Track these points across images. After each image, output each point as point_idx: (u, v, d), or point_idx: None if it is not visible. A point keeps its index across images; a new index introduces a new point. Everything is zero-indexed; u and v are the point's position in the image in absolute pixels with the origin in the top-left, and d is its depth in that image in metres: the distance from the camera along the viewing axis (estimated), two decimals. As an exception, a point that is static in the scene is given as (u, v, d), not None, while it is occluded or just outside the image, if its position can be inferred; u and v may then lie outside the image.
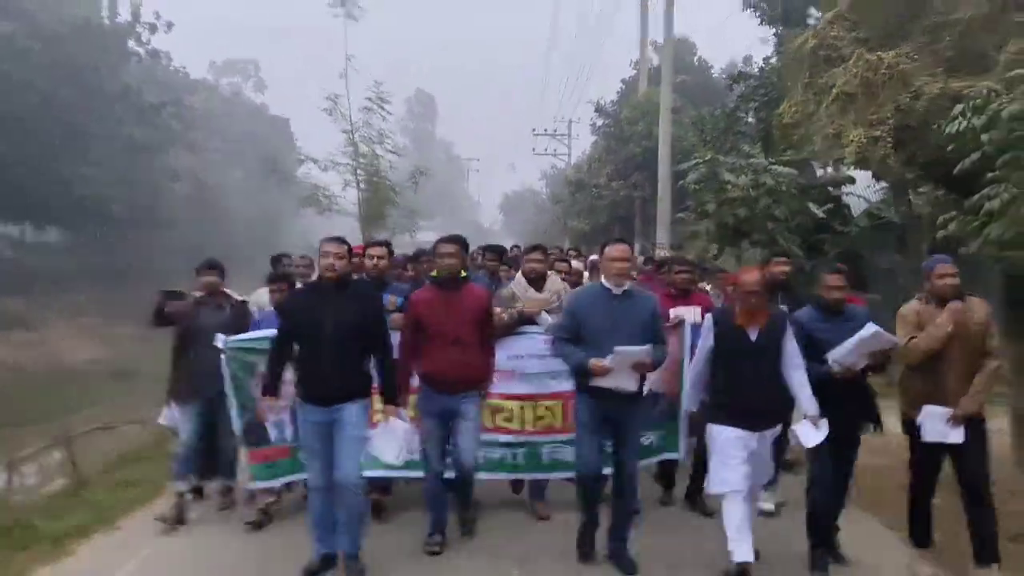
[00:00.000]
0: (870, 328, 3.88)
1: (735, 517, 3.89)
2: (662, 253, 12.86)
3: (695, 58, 27.13)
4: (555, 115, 41.26)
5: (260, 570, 4.17)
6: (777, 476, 4.71)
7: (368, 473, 4.37)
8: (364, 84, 14.21)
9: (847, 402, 4.08)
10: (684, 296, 5.23)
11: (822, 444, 3.95)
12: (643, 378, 4.14)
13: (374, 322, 4.07)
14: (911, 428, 4.19)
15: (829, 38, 6.80)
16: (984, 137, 4.23)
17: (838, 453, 4.11)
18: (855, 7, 6.71)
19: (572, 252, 11.38)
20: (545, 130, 38.65)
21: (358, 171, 14.48)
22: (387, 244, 5.42)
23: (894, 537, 4.59)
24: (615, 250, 4.10)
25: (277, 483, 4.93)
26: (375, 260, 4.96)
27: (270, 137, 42.44)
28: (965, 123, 4.40)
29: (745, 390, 3.96)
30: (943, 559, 4.25)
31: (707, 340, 4.11)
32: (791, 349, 4.01)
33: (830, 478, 4.10)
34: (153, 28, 25.42)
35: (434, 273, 4.60)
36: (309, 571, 3.96)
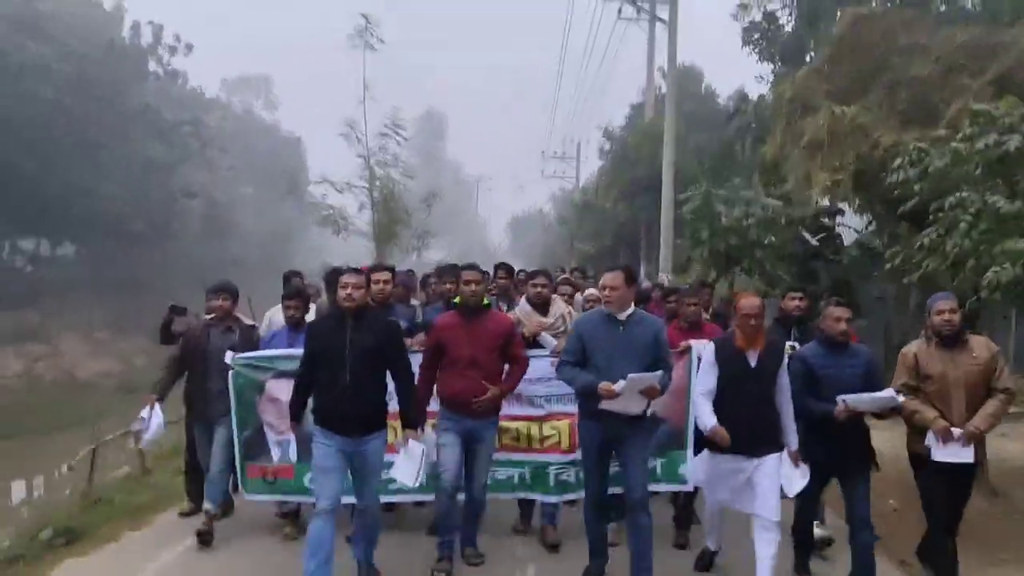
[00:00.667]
0: (889, 392, 4.05)
1: (713, 515, 4.58)
2: (665, 280, 13.76)
3: (702, 86, 28.18)
4: (564, 137, 42.42)
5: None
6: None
7: (384, 499, 4.61)
8: (379, 107, 15.28)
9: (843, 438, 4.22)
10: (695, 328, 5.27)
11: (816, 485, 4.25)
12: (648, 402, 4.26)
13: (394, 348, 4.23)
14: (917, 463, 4.29)
15: (804, 89, 7.78)
16: (916, 187, 5.16)
17: (846, 478, 4.31)
18: (828, 62, 7.70)
19: (577, 272, 12.19)
20: (555, 153, 39.90)
21: (373, 193, 15.51)
22: (391, 269, 5.56)
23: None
24: (607, 279, 4.29)
25: (271, 499, 5.13)
26: (380, 284, 5.09)
27: (283, 156, 43.79)
28: (903, 174, 5.33)
29: (745, 413, 4.13)
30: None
31: (712, 367, 4.27)
32: (784, 380, 4.23)
33: (815, 497, 4.41)
34: (173, 50, 26.76)
35: (456, 300, 4.75)
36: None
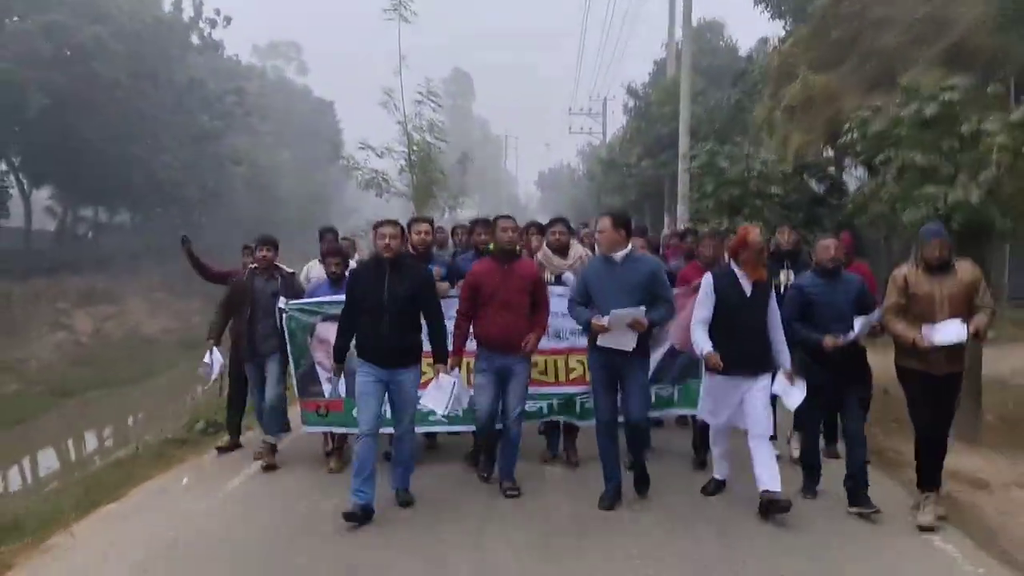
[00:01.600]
0: (858, 321, 4.53)
1: (718, 447, 4.99)
2: (684, 225, 15.12)
3: (723, 41, 28.79)
4: (590, 94, 43.24)
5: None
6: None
7: (419, 429, 5.21)
8: (411, 74, 16.62)
9: (839, 363, 4.60)
10: (711, 267, 5.42)
11: (811, 400, 4.63)
12: (644, 337, 4.67)
13: (426, 291, 4.69)
14: (905, 378, 4.64)
15: (790, 57, 9.06)
16: (858, 148, 6.53)
17: (841, 398, 4.72)
18: (811, 33, 8.96)
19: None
20: (581, 109, 40.78)
21: (412, 157, 16.98)
22: (430, 221, 5.96)
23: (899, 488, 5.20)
24: (599, 224, 4.90)
25: (326, 430, 5.70)
26: (421, 235, 5.55)
27: (317, 120, 45.43)
28: (851, 136, 6.70)
29: (740, 338, 4.57)
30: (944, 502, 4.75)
31: (709, 297, 4.70)
32: (774, 307, 4.69)
33: (817, 422, 4.95)
34: (213, 23, 28.29)
35: (491, 246, 5.23)
36: (348, 515, 4.46)
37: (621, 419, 4.86)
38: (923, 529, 4.45)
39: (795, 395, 4.65)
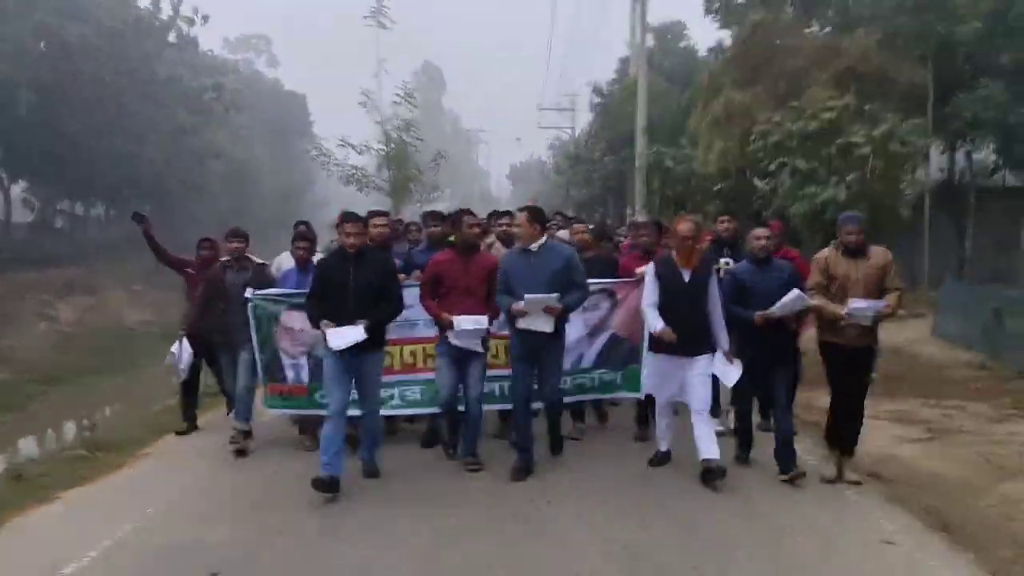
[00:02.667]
0: (795, 292, 4.90)
1: (663, 421, 5.35)
2: (639, 218, 16.90)
3: (683, 42, 30.56)
4: (558, 90, 44.81)
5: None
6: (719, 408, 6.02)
7: (386, 412, 5.64)
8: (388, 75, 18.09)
9: (769, 338, 5.03)
10: (649, 255, 5.95)
11: (744, 377, 5.06)
12: (560, 321, 5.06)
13: (388, 280, 5.03)
14: (824, 350, 5.16)
15: (717, 77, 10.82)
16: (760, 155, 8.29)
17: (771, 376, 5.12)
18: (734, 57, 10.72)
19: (559, 216, 15.09)
20: (550, 105, 42.41)
21: (389, 155, 18.50)
22: (387, 214, 6.29)
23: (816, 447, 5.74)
24: (516, 219, 5.43)
25: (288, 412, 6.07)
26: (379, 228, 5.83)
27: (289, 112, 46.44)
28: (756, 144, 8.45)
29: (681, 321, 4.93)
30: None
31: (653, 282, 5.10)
32: (714, 291, 5.04)
33: (749, 402, 5.41)
34: (191, 21, 29.35)
35: (451, 239, 5.60)
36: (317, 483, 4.74)
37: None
38: (827, 480, 5.14)
39: (732, 373, 5.05)
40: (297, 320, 5.63)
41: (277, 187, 44.36)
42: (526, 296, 4.88)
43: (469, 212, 5.86)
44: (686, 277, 5.00)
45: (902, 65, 10.73)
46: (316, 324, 4.94)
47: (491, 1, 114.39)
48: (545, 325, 4.96)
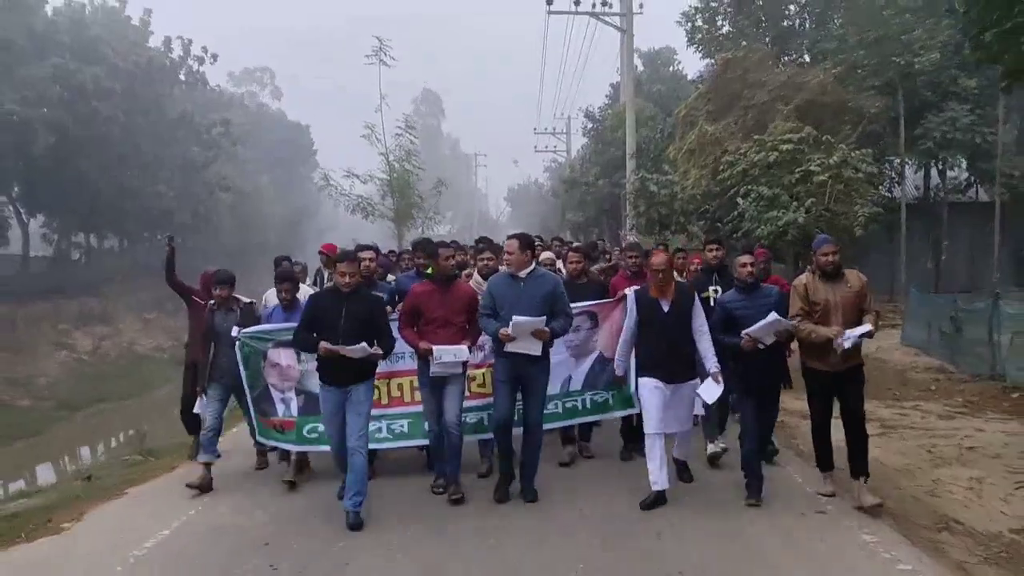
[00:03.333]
0: (772, 316, 4.88)
1: (656, 454, 5.02)
2: (631, 239, 17.81)
3: (672, 67, 31.73)
4: (554, 113, 45.97)
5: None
6: (725, 426, 6.07)
7: (374, 445, 5.56)
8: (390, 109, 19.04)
9: (761, 364, 5.04)
10: (637, 277, 6.13)
11: (748, 403, 5.13)
12: (545, 346, 5.13)
13: (379, 316, 5.13)
14: (809, 376, 5.18)
15: (693, 110, 11.81)
16: (729, 182, 9.23)
17: (760, 405, 5.16)
18: (708, 91, 11.73)
19: (556, 241, 15.97)
20: (546, 129, 43.52)
21: (393, 184, 19.47)
22: (375, 248, 6.34)
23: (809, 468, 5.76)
24: (508, 245, 5.32)
25: (279, 445, 6.10)
26: (366, 262, 5.92)
27: (293, 143, 47.74)
28: (725, 173, 9.39)
29: (660, 350, 5.02)
30: (839, 479, 5.36)
31: (631, 313, 5.18)
32: (698, 319, 5.10)
33: (754, 429, 5.18)
34: (201, 60, 30.62)
35: (429, 271, 5.66)
36: (354, 526, 4.89)
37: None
38: (827, 495, 5.24)
39: (714, 391, 5.10)
40: (283, 356, 5.84)
41: (283, 215, 45.52)
42: (515, 319, 4.95)
43: (445, 244, 5.95)
44: (665, 307, 5.06)
45: (861, 96, 11.74)
46: (315, 348, 4.98)
47: (488, 28, 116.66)
48: (533, 348, 5.07)
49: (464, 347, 5.24)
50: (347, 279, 4.95)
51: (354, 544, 4.65)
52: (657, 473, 5.02)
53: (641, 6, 19.36)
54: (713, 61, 19.48)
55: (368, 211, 19.49)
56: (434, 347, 5.13)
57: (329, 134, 53.26)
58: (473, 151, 72.69)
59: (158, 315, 33.33)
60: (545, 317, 5.05)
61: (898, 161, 17.73)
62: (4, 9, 23.26)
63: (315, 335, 4.97)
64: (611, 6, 18.90)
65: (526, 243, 5.34)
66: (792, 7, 17.83)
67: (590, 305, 6.09)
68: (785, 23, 16.99)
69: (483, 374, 5.93)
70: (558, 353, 5.75)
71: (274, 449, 6.37)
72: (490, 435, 5.68)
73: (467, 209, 69.33)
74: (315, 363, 5.26)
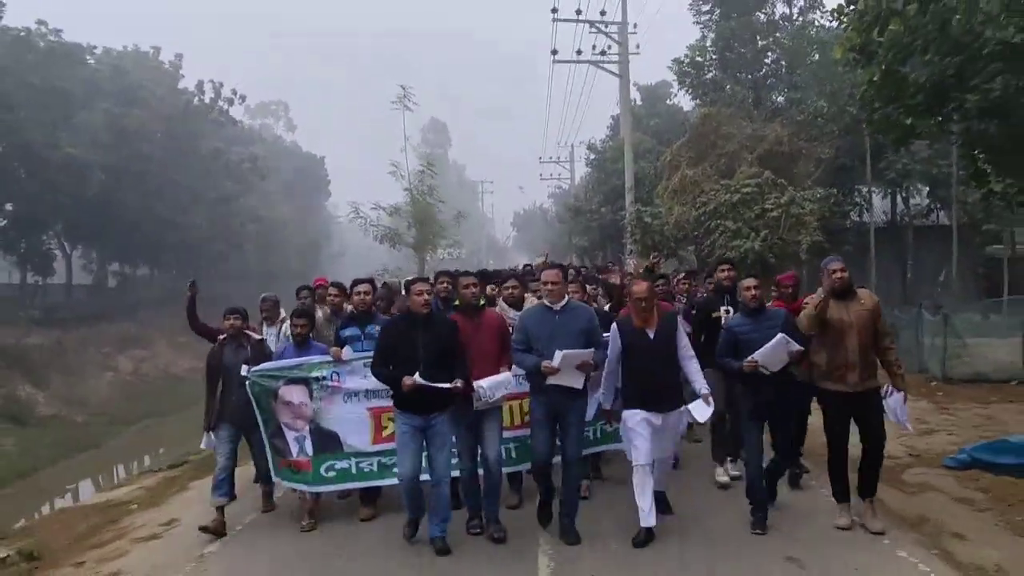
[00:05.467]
0: (779, 336, 4.82)
1: (643, 490, 4.84)
2: (631, 265, 20.36)
3: (669, 100, 34.41)
4: (558, 141, 48.59)
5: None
6: (740, 454, 5.82)
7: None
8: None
9: (771, 387, 4.95)
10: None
11: (754, 428, 5.10)
12: (587, 377, 4.97)
13: (454, 343, 4.97)
14: (822, 397, 5.06)
15: (677, 155, 14.42)
16: (702, 218, 11.78)
17: (774, 429, 5.16)
18: (689, 140, 14.35)
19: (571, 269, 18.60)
20: (551, 157, 46.30)
21: (417, 215, 22.07)
22: (371, 281, 6.19)
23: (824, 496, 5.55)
24: (547, 275, 5.11)
25: (294, 486, 5.88)
26: (361, 295, 5.81)
27: (309, 174, 50.77)
28: (700, 210, 11.93)
29: (648, 378, 4.90)
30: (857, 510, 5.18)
31: (615, 343, 5.00)
32: (683, 343, 5.04)
33: (758, 456, 5.10)
34: (231, 101, 33.59)
35: (457, 303, 5.43)
36: (406, 531, 5.11)
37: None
38: (843, 528, 5.08)
39: (704, 411, 4.99)
40: (295, 393, 5.69)
41: (300, 243, 48.36)
42: (564, 352, 4.78)
43: (465, 273, 5.85)
44: (650, 335, 4.97)
45: (818, 142, 14.34)
46: (396, 383, 4.87)
47: (493, 58, 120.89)
48: (576, 381, 4.95)
49: (509, 375, 5.10)
50: (424, 297, 4.93)
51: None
52: (644, 511, 4.88)
53: (638, 46, 22.19)
54: (698, 103, 22.26)
55: (395, 240, 22.08)
56: (477, 383, 4.93)
57: (342, 164, 56.15)
58: (479, 178, 75.79)
59: (188, 339, 35.81)
60: (591, 350, 4.96)
61: (866, 190, 20.31)
62: (61, 62, 26.18)
63: (391, 367, 4.90)
64: (611, 47, 21.60)
65: (565, 273, 5.39)
66: (770, 55, 20.59)
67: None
68: (762, 72, 19.71)
69: (511, 406, 5.76)
70: None
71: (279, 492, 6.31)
72: (519, 467, 5.80)
73: (476, 235, 72.02)
74: (335, 399, 5.65)
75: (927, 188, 20.99)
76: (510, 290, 6.23)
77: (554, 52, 22.82)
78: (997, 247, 21.52)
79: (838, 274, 4.89)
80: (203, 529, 5.58)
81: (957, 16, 7.38)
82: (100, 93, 27.92)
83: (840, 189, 19.80)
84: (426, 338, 4.87)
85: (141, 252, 33.98)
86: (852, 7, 8.67)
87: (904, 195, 21.03)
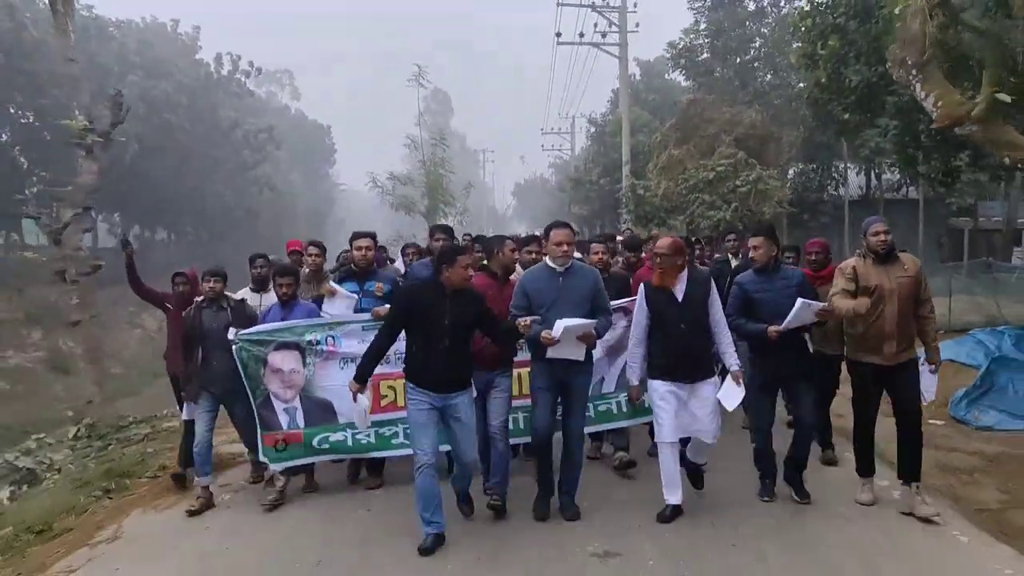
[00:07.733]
0: (799, 302, 4.60)
1: (669, 466, 4.69)
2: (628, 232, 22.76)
3: (665, 76, 36.29)
4: (559, 112, 50.24)
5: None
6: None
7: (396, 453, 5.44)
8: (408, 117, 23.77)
9: (784, 351, 4.78)
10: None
11: (765, 399, 4.92)
12: (590, 348, 4.73)
13: (487, 315, 4.62)
14: (853, 369, 4.87)
15: (666, 136, 16.73)
16: (683, 192, 14.17)
17: (790, 399, 5.10)
18: (677, 122, 16.66)
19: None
20: (552, 129, 48.20)
21: (429, 185, 24.37)
22: (372, 235, 5.87)
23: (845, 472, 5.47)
24: (558, 235, 4.77)
25: (286, 465, 5.48)
26: (363, 251, 5.64)
27: (316, 142, 52.89)
28: (682, 185, 14.31)
29: (679, 345, 4.62)
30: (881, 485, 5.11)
31: (641, 310, 4.78)
32: (715, 308, 4.73)
33: (767, 424, 4.99)
34: (248, 73, 35.62)
35: (485, 262, 5.35)
36: (424, 549, 4.47)
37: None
38: (866, 504, 4.94)
39: (735, 397, 4.67)
40: (285, 360, 5.40)
41: (307, 209, 50.60)
42: (565, 323, 4.52)
43: (509, 238, 5.73)
44: (679, 296, 4.70)
45: (789, 127, 16.66)
46: (362, 376, 4.57)
47: (497, 32, 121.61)
48: (576, 353, 4.70)
49: (593, 320, 4.72)
50: (469, 272, 4.57)
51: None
52: (670, 487, 4.76)
53: (637, 24, 24.21)
54: (691, 84, 24.47)
55: (409, 208, 24.39)
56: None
57: (346, 132, 57.85)
58: (480, 147, 77.62)
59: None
60: (595, 321, 4.71)
61: (843, 166, 22.64)
62: (95, 37, 28.18)
63: (409, 334, 4.58)
64: (612, 26, 23.62)
65: (574, 232, 5.06)
66: (758, 40, 22.76)
67: (625, 302, 5.63)
68: (749, 55, 21.91)
69: (520, 373, 5.44)
70: (595, 351, 5.19)
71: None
72: (525, 439, 5.58)
73: (476, 203, 74.06)
74: (330, 366, 5.41)
75: (897, 165, 23.31)
76: (532, 254, 5.73)
77: (558, 35, 24.88)
78: (963, 219, 23.94)
79: (881, 236, 4.70)
80: (191, 513, 5.39)
81: (887, 35, 9.66)
82: (127, 65, 29.94)
83: (819, 165, 22.18)
84: (455, 310, 4.50)
85: (163, 218, 36.23)
86: (802, 24, 10.92)
87: (877, 171, 23.33)
